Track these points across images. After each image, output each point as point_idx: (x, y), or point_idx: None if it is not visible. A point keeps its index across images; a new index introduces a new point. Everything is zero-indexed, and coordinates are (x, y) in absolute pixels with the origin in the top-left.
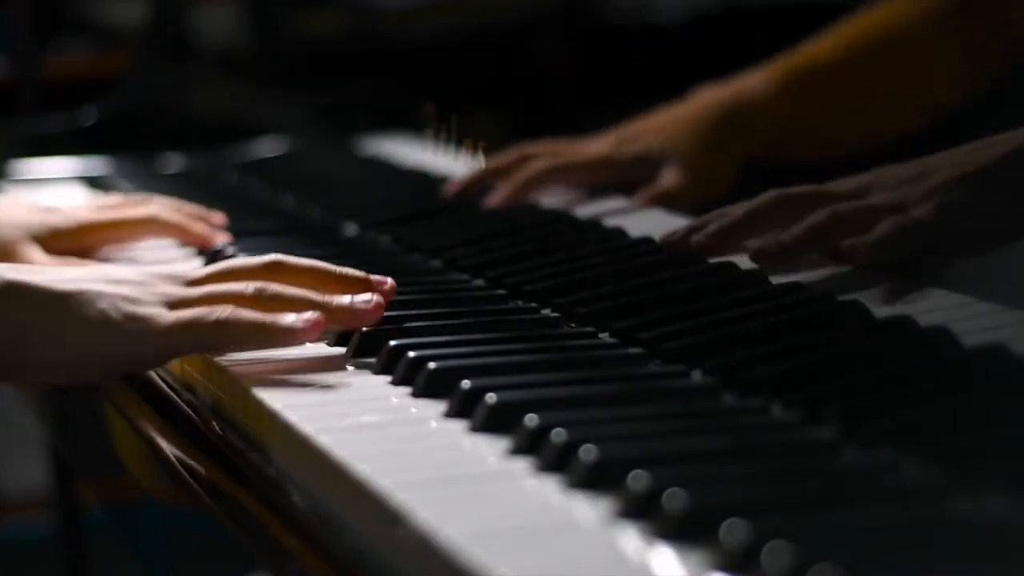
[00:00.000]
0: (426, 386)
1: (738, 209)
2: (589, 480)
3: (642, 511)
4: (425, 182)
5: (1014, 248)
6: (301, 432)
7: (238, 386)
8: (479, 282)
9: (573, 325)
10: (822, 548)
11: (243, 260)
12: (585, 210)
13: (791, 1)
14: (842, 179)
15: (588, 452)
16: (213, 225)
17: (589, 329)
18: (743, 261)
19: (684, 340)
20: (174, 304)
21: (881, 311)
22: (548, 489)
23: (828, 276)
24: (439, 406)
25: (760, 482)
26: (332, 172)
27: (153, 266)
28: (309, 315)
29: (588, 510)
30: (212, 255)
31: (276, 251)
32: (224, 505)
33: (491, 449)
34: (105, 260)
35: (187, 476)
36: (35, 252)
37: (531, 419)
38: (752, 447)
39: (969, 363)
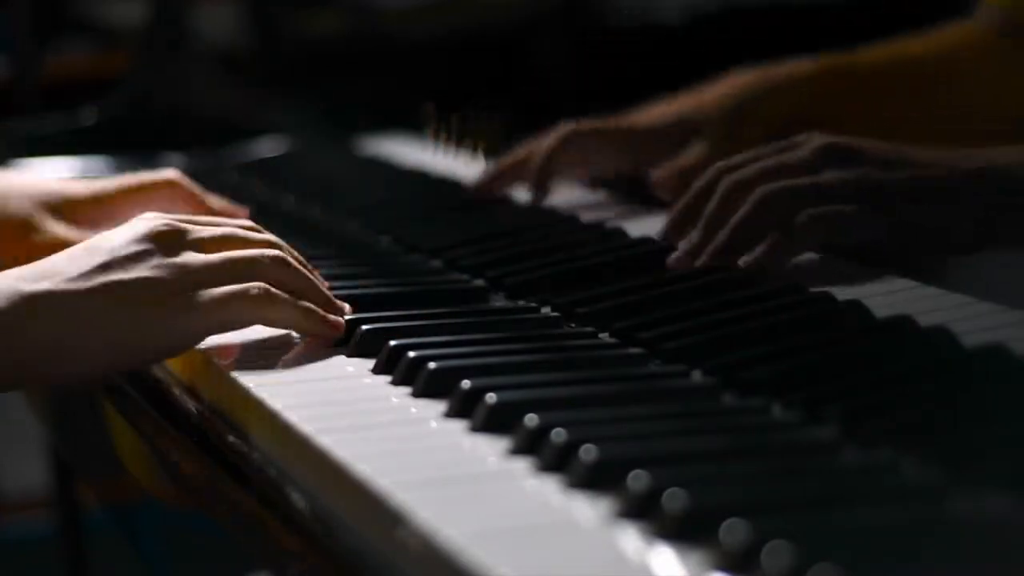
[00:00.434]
0: (426, 386)
1: (728, 226)
2: (589, 480)
3: (642, 511)
4: (425, 182)
5: (1014, 248)
6: (301, 432)
7: (238, 386)
8: (479, 282)
9: (573, 325)
10: (822, 548)
11: (244, 231)
12: (585, 210)
13: (790, 1)
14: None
15: (588, 452)
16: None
17: (589, 329)
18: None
19: (684, 340)
20: (197, 277)
21: (881, 311)
22: (548, 489)
23: (828, 276)
24: (439, 406)
25: (760, 482)
26: (332, 172)
27: (147, 218)
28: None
29: (588, 510)
30: None
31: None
32: (224, 505)
33: (491, 449)
34: None
35: (187, 476)
36: (54, 223)
37: (531, 419)
38: (752, 447)
39: (969, 363)
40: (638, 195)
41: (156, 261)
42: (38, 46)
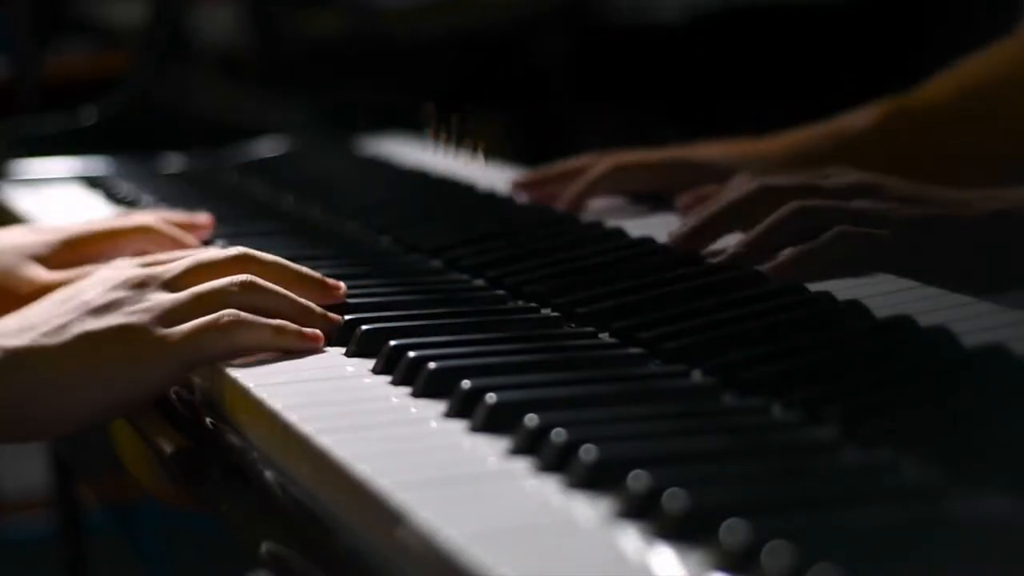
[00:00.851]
0: (426, 386)
1: (722, 201)
2: (589, 480)
3: (642, 511)
4: (425, 182)
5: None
6: (301, 432)
7: (237, 386)
8: (479, 282)
9: (573, 325)
10: (822, 548)
11: (212, 253)
12: (585, 211)
13: (790, 1)
14: (848, 174)
15: (588, 452)
16: (201, 227)
17: (589, 329)
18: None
19: (684, 340)
20: (169, 316)
21: (881, 311)
22: (548, 489)
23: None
24: (439, 406)
25: (760, 482)
26: (332, 172)
27: (118, 266)
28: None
29: (588, 510)
30: None
31: (275, 252)
32: (224, 505)
33: (491, 449)
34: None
35: (186, 476)
36: (37, 270)
37: (531, 419)
38: (752, 447)
39: (969, 363)
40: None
41: (127, 308)
42: (38, 46)
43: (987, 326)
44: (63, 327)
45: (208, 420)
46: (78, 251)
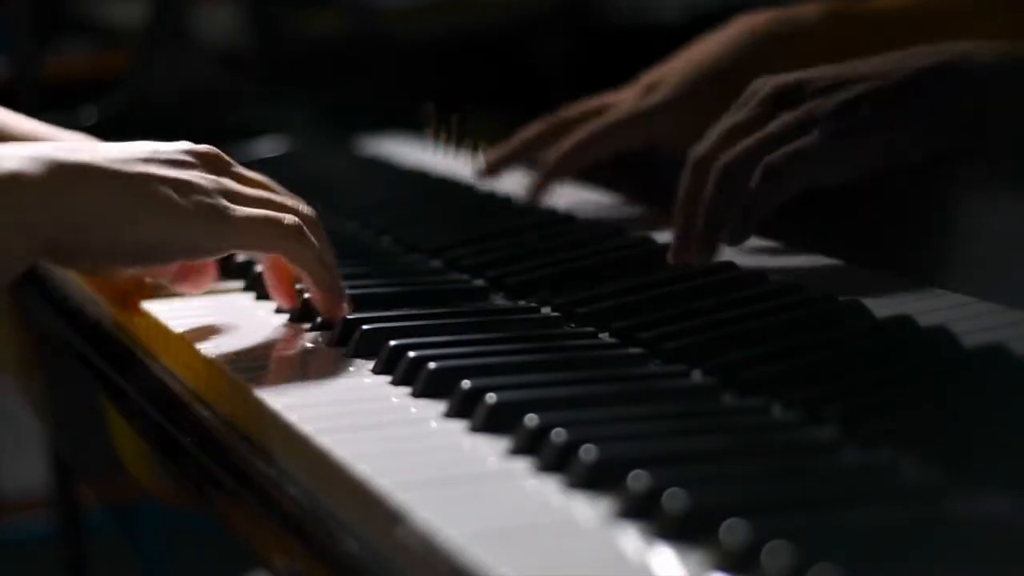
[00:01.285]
0: (426, 386)
1: (702, 213)
2: (589, 480)
3: (642, 511)
4: (425, 182)
5: (1014, 248)
6: (301, 432)
7: (238, 386)
8: (479, 282)
9: (573, 325)
10: (822, 548)
11: (280, 194)
12: (585, 210)
13: (789, 1)
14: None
15: (588, 452)
16: None
17: (589, 329)
18: (743, 261)
19: (684, 340)
20: (235, 199)
21: (881, 311)
22: (548, 489)
23: (828, 276)
24: (439, 406)
25: (760, 482)
26: (332, 172)
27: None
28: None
29: (588, 510)
30: None
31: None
32: (224, 505)
33: (491, 449)
34: None
35: (186, 476)
36: None
37: (531, 419)
38: (752, 447)
39: (969, 363)
40: (639, 193)
41: (198, 172)
42: (38, 46)
43: (987, 326)
44: (127, 160)
45: (207, 420)
46: None
